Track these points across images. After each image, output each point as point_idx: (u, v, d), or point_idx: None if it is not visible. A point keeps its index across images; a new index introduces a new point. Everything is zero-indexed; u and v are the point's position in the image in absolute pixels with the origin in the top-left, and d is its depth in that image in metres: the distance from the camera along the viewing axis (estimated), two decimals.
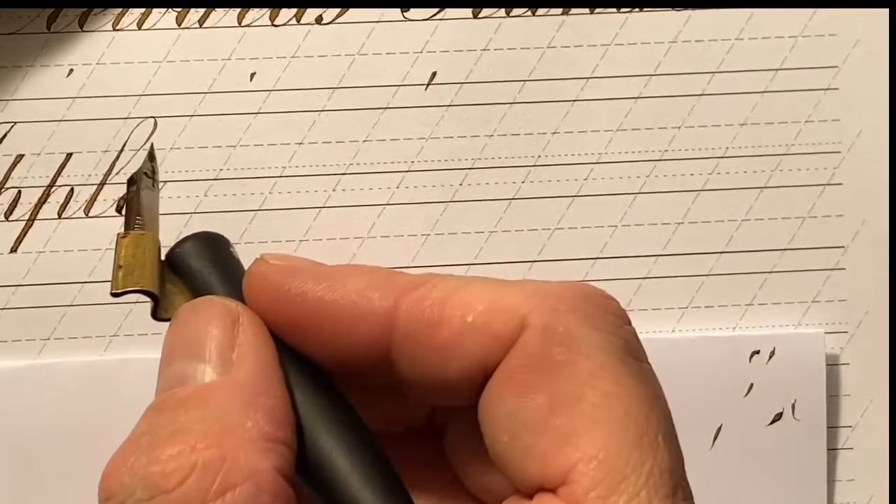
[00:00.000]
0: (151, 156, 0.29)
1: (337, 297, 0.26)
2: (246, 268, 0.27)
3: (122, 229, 0.27)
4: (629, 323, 0.26)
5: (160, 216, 0.28)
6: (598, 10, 0.43)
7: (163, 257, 0.27)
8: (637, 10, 0.43)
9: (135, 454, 0.24)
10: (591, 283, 0.42)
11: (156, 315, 0.27)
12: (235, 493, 0.23)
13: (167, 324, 0.27)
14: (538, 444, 0.24)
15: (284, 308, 0.26)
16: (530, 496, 0.24)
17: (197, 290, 0.27)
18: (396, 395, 0.27)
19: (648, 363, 0.25)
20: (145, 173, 0.28)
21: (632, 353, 0.25)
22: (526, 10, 0.43)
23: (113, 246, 0.27)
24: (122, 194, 0.42)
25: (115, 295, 0.26)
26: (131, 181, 0.28)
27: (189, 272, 0.27)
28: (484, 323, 0.25)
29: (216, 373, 0.25)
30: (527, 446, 0.24)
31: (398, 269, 0.27)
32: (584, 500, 0.22)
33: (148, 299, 0.26)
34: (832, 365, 0.42)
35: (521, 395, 0.24)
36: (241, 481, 0.23)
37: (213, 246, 0.28)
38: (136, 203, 0.28)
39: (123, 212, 0.28)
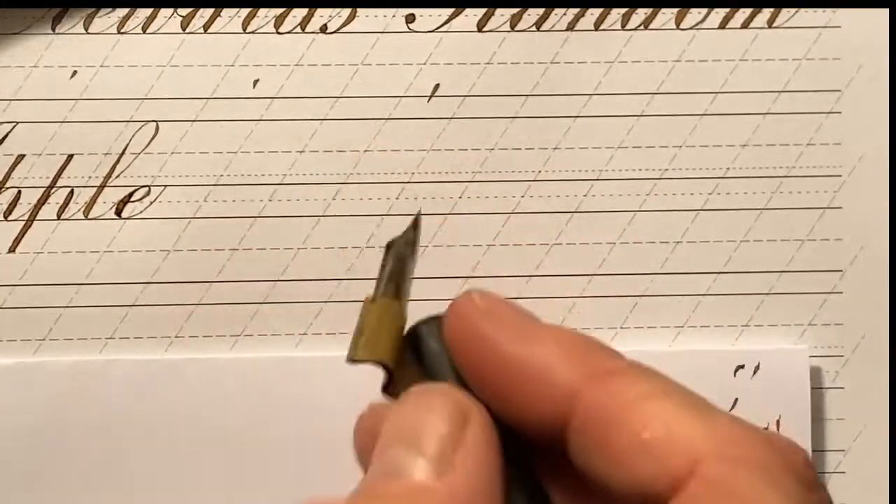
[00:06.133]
0: (416, 224, 0.28)
1: (525, 360, 0.25)
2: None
3: (372, 293, 0.26)
4: (816, 489, 0.23)
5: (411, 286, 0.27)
6: (602, 27, 0.43)
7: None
8: (642, 28, 0.43)
9: None
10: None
11: (386, 390, 0.26)
12: None
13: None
14: None
15: (476, 354, 0.25)
16: None
17: (431, 373, 0.26)
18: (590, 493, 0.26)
19: None
20: (406, 242, 0.27)
21: None
22: (531, 24, 0.43)
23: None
24: (123, 196, 0.42)
25: (351, 362, 0.26)
26: (389, 246, 0.27)
27: (426, 353, 0.26)
28: (657, 450, 0.23)
29: (434, 471, 0.23)
30: None
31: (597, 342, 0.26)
32: None
33: (382, 371, 0.26)
34: (820, 388, 0.42)
35: None
36: None
37: None
38: (391, 270, 0.27)
39: (377, 275, 0.27)
